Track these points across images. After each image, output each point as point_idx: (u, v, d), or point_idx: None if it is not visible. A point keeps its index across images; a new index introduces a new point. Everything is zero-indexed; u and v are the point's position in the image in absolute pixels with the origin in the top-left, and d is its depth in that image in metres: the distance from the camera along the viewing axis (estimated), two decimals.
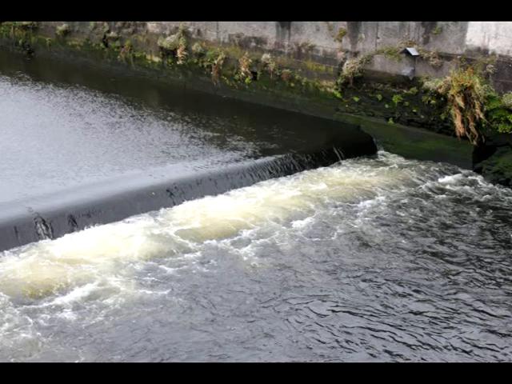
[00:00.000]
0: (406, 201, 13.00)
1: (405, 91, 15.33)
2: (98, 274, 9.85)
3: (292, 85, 17.06)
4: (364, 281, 10.17)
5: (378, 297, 9.75)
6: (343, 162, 14.78)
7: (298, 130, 15.76)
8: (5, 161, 13.17)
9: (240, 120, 16.53)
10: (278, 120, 16.37)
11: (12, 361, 8.11)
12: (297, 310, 9.37)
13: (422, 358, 8.48)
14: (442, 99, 14.59)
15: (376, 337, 8.85)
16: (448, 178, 14.23)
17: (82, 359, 8.19)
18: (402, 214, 12.41)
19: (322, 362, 8.35)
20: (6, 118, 16.08)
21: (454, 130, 14.45)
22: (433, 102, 14.82)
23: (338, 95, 16.32)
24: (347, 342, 8.73)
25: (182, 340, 8.63)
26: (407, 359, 8.46)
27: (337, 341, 8.73)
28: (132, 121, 16.11)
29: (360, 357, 8.46)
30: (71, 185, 12.05)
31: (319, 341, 8.72)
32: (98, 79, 20.03)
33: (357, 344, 8.69)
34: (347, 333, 8.89)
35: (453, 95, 14.21)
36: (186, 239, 11.00)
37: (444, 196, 13.33)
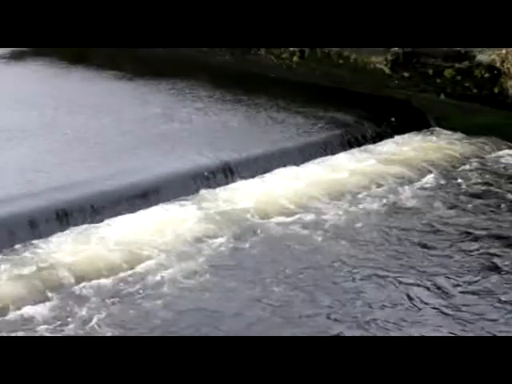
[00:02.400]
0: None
1: (457, 65, 15.28)
2: None
3: (341, 62, 17.02)
4: None
5: None
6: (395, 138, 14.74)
7: (348, 107, 15.71)
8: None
9: (290, 99, 16.39)
10: (326, 98, 16.33)
11: None
12: None
13: None
14: (495, 72, 14.56)
15: None
16: (504, 152, 14.20)
17: None
18: None
19: None
20: None
21: (510, 103, 14.45)
22: (486, 75, 14.79)
23: (388, 71, 16.29)
24: None
25: None
26: None
27: None
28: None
29: None
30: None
31: None
32: None
33: None
34: None
35: (508, 67, 14.21)
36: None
37: (502, 170, 13.33)
